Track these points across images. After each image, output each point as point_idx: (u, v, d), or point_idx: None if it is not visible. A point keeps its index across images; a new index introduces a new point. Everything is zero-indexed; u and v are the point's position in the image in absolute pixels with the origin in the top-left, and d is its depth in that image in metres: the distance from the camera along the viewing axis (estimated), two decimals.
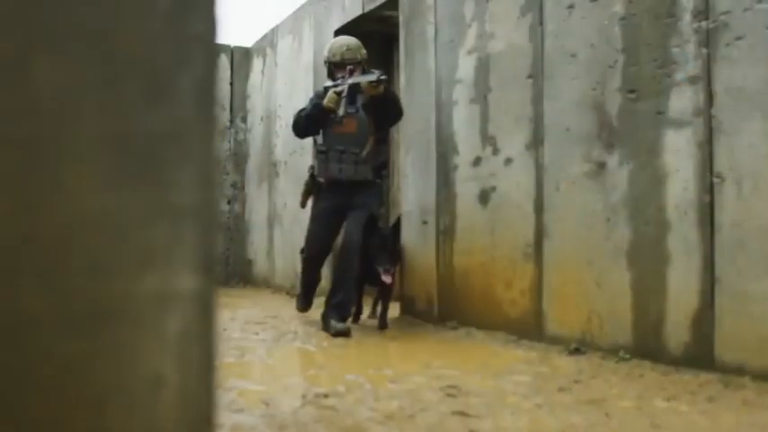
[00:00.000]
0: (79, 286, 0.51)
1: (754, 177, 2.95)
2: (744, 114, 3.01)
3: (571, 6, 3.90)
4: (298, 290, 5.59)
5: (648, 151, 3.42)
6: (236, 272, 8.85)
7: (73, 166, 0.50)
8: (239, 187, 8.96)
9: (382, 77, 4.62)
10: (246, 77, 9.01)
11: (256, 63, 8.80)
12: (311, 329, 4.69)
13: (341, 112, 4.80)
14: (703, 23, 3.20)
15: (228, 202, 8.90)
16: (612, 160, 3.61)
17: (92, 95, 0.51)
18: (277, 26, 8.23)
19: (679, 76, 3.30)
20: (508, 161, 4.32)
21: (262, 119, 8.54)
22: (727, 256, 3.05)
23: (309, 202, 5.34)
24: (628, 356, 3.42)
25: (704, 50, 3.19)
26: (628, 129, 3.54)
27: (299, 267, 7.32)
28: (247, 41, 9.27)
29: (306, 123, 5.01)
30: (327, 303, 4.76)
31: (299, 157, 7.44)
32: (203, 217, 0.55)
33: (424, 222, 5.07)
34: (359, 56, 5.05)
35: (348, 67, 4.87)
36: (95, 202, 0.51)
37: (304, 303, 5.51)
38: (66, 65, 0.49)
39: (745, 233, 2.98)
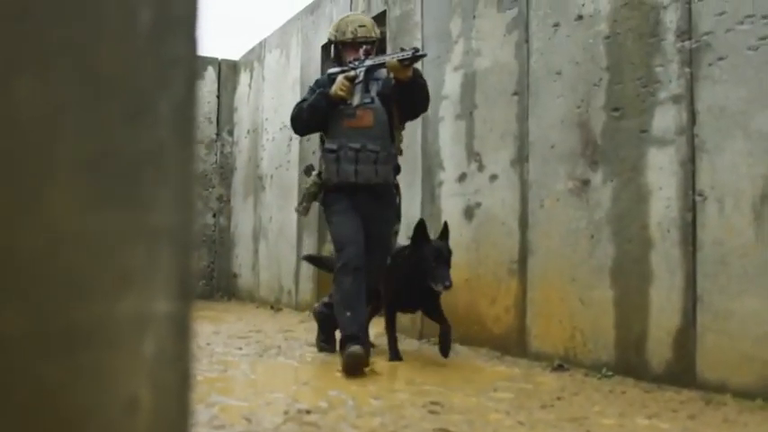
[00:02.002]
0: (56, 307, 0.51)
1: (736, 196, 2.98)
2: (726, 133, 3.04)
3: (556, 24, 3.93)
4: (341, 322, 3.86)
5: (632, 169, 3.45)
6: (221, 285, 8.82)
7: (51, 186, 0.50)
8: (225, 200, 8.95)
9: (420, 53, 3.79)
10: (234, 90, 9.02)
11: (244, 76, 8.82)
12: (295, 344, 4.67)
13: (356, 101, 3.92)
14: (686, 43, 3.24)
15: (214, 216, 8.88)
16: (596, 178, 3.63)
17: (71, 115, 0.51)
18: (265, 40, 8.25)
19: (662, 94, 3.33)
20: (493, 177, 4.33)
21: (248, 132, 8.54)
22: (709, 274, 3.07)
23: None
24: (610, 373, 3.43)
25: (687, 70, 3.23)
26: (611, 146, 3.56)
27: (285, 281, 7.34)
28: (235, 54, 9.28)
29: (308, 116, 4.06)
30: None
31: (285, 171, 7.45)
32: (181, 239, 0.55)
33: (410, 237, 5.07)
34: (374, 34, 4.19)
35: (364, 47, 4.03)
36: (73, 222, 0.51)
37: (358, 336, 3.70)
38: (46, 84, 0.50)
39: (726, 251, 3.00)
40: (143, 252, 0.53)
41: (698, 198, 3.14)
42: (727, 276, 3.00)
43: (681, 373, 3.14)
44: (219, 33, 21.55)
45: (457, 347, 4.32)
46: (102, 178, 0.52)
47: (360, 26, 4.16)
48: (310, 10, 7.13)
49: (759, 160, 2.90)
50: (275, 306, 7.40)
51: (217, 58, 9.07)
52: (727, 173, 3.02)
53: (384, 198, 4.06)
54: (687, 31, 3.24)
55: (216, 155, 8.98)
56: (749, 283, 2.89)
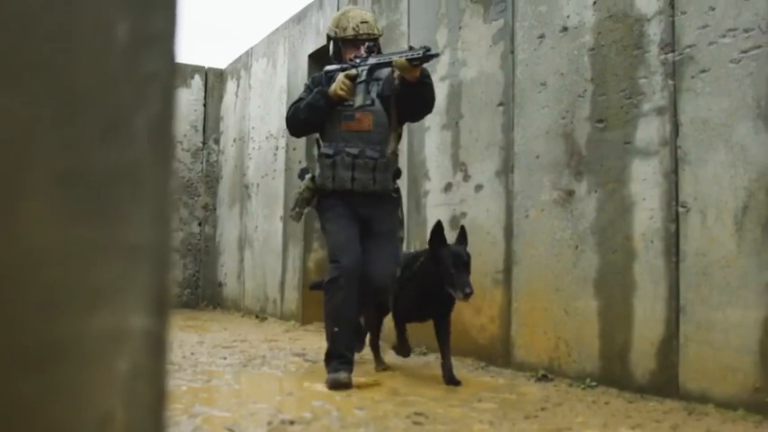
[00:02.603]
0: (29, 323, 0.50)
1: (718, 207, 3.00)
2: (708, 145, 3.06)
3: (542, 36, 3.96)
4: (328, 334, 3.73)
5: (616, 180, 3.47)
6: (206, 295, 8.79)
7: (25, 203, 0.50)
8: (211, 209, 8.92)
9: (433, 53, 3.48)
10: (220, 99, 9.01)
11: (230, 85, 8.81)
12: (280, 354, 4.66)
13: (357, 101, 3.62)
14: (669, 56, 3.27)
15: (199, 224, 8.86)
16: (581, 188, 3.65)
17: (46, 132, 0.51)
18: (251, 48, 8.25)
19: (646, 106, 3.36)
20: (479, 188, 4.35)
21: (234, 140, 8.53)
22: (691, 284, 3.09)
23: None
24: (594, 384, 3.44)
25: (670, 82, 3.25)
26: (596, 157, 3.58)
27: (272, 292, 7.32)
28: (222, 63, 9.27)
29: (306, 116, 3.77)
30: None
31: (271, 179, 7.44)
32: (156, 255, 0.55)
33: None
34: (376, 31, 3.92)
35: (366, 44, 3.75)
36: (47, 238, 0.51)
37: (344, 354, 3.60)
38: (20, 101, 0.50)
39: (709, 262, 3.02)
40: (118, 268, 0.53)
41: (681, 209, 3.16)
42: (709, 287, 3.02)
43: (664, 383, 3.16)
44: (206, 42, 21.55)
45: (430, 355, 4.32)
46: (77, 195, 0.52)
47: (362, 22, 3.88)
48: (297, 19, 7.14)
49: (741, 172, 2.92)
50: (260, 315, 7.38)
51: (203, 67, 9.06)
52: (709, 184, 3.05)
53: (384, 202, 3.79)
54: (670, 43, 3.27)
55: (202, 163, 8.96)
56: (731, 295, 2.91)
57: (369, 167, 3.68)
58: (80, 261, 0.52)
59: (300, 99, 3.85)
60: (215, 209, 8.94)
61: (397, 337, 3.95)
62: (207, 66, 9.09)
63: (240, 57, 8.59)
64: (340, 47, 3.90)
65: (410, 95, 3.64)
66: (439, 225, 3.68)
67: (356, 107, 3.65)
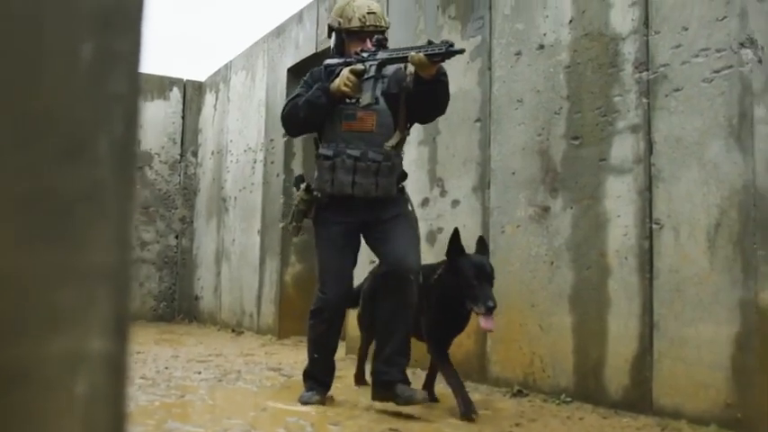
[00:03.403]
0: None
1: (691, 225, 3.03)
2: (681, 163, 3.10)
3: (519, 53, 3.99)
4: (309, 356, 3.60)
5: (591, 197, 3.50)
6: (182, 308, 8.72)
7: None
8: (188, 222, 8.87)
9: (456, 49, 3.13)
10: (199, 111, 8.98)
11: (209, 97, 8.79)
12: (255, 369, 4.63)
13: (365, 99, 3.28)
14: (644, 74, 3.31)
15: (176, 237, 8.80)
16: (556, 205, 3.67)
17: (6, 153, 0.51)
18: (231, 61, 8.24)
19: (621, 124, 3.39)
20: (455, 203, 4.36)
21: (213, 153, 8.50)
22: (665, 301, 3.11)
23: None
24: (569, 399, 3.45)
25: (645, 100, 3.29)
26: (571, 174, 3.61)
27: (249, 305, 7.28)
28: (201, 75, 9.25)
29: (305, 114, 3.44)
30: (375, 358, 3.41)
31: (248, 193, 7.42)
32: (117, 278, 0.55)
33: (372, 262, 5.07)
34: (384, 23, 3.59)
35: (375, 37, 3.42)
36: (5, 261, 0.50)
37: (321, 379, 3.53)
38: None
39: (681, 279, 3.05)
40: (77, 291, 0.53)
41: (654, 226, 3.19)
42: (682, 304, 3.05)
43: (637, 399, 3.17)
44: (186, 54, 21.50)
45: (417, 372, 4.31)
46: (36, 217, 0.51)
47: (369, 12, 3.52)
48: (276, 33, 7.15)
49: (713, 190, 2.96)
50: (237, 329, 7.34)
51: (182, 79, 9.04)
52: (682, 202, 3.08)
53: (386, 207, 3.44)
54: (645, 62, 3.31)
55: (179, 176, 8.91)
56: (703, 311, 2.94)
57: (371, 171, 3.36)
58: (39, 284, 0.51)
59: (298, 95, 3.51)
60: (192, 222, 8.89)
61: (452, 386, 3.36)
62: (186, 78, 9.07)
63: (219, 70, 8.58)
64: (343, 39, 3.58)
65: (424, 95, 3.29)
66: (456, 233, 3.38)
67: (362, 106, 3.32)
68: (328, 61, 3.57)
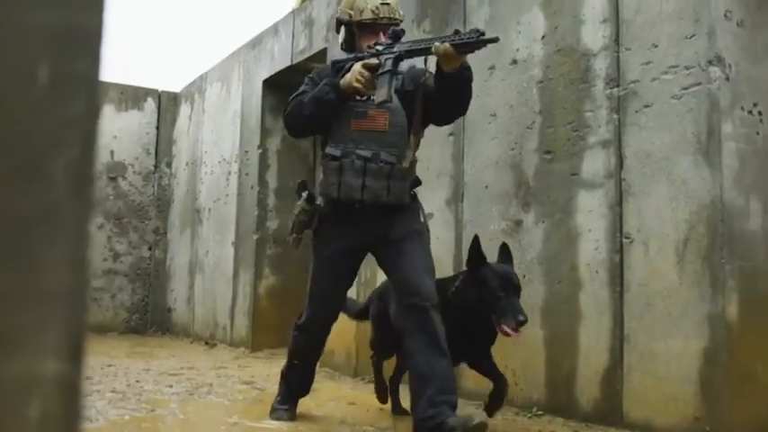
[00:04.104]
0: None
1: (660, 239, 3.07)
2: (651, 178, 3.14)
3: (492, 68, 4.02)
4: (288, 364, 3.48)
5: (562, 211, 3.53)
6: (155, 320, 8.64)
7: None
8: (161, 233, 8.80)
9: (488, 37, 2.78)
10: (173, 122, 8.94)
11: (184, 108, 8.75)
12: (227, 382, 4.60)
13: (381, 96, 2.96)
14: (615, 90, 3.35)
15: (149, 248, 8.73)
16: (528, 219, 3.70)
17: None
18: (206, 72, 8.22)
19: (592, 139, 3.43)
20: (429, 216, 4.36)
21: (187, 164, 8.45)
22: (635, 315, 3.14)
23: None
24: (540, 413, 3.47)
25: (615, 116, 3.33)
26: (543, 188, 3.64)
27: (222, 318, 7.24)
28: (176, 86, 9.21)
29: (311, 112, 3.13)
30: (416, 397, 2.91)
31: (223, 204, 7.39)
32: (73, 299, 0.55)
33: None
34: (398, 15, 3.28)
35: (391, 28, 3.11)
36: None
37: (296, 388, 3.46)
38: None
39: (651, 293, 3.08)
40: (31, 312, 0.52)
41: (625, 240, 3.23)
42: (652, 317, 3.08)
43: (608, 412, 3.20)
44: (161, 64, 21.42)
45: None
46: None
47: (382, 3, 3.23)
48: (252, 44, 7.14)
49: (682, 205, 3.00)
50: (210, 342, 7.28)
51: (157, 90, 8.99)
52: (652, 217, 3.12)
53: (398, 216, 3.13)
54: (615, 78, 3.35)
55: (153, 186, 8.85)
56: (672, 325, 2.97)
57: (383, 174, 3.04)
58: None
59: (303, 92, 3.21)
60: (166, 233, 8.82)
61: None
62: (161, 89, 9.03)
63: (194, 80, 8.55)
64: (354, 33, 3.28)
65: (446, 91, 2.99)
66: (477, 240, 3.11)
67: (376, 103, 3.01)
68: (336, 58, 3.33)
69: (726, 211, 2.89)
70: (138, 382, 4.46)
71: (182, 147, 8.69)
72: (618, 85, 3.34)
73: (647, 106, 3.20)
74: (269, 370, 5.22)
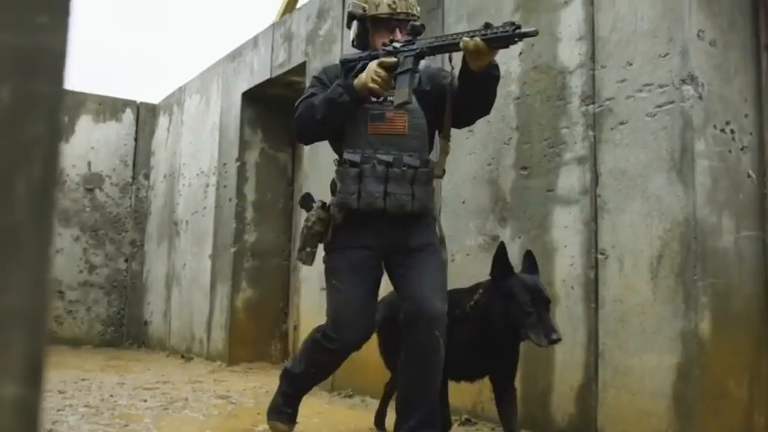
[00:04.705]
0: None
1: (634, 255, 3.09)
2: (625, 195, 3.17)
3: None
4: (295, 369, 3.14)
5: (538, 227, 3.55)
6: (131, 333, 8.56)
7: None
8: (138, 245, 8.74)
9: (525, 30, 2.52)
10: (152, 134, 8.89)
11: (162, 120, 8.71)
12: (203, 396, 4.56)
13: (401, 98, 2.72)
14: (590, 107, 3.38)
15: (126, 261, 8.66)
16: (505, 234, 3.71)
17: None
18: (185, 84, 8.20)
19: (568, 155, 3.45)
20: None
21: (165, 176, 8.41)
22: (609, 330, 3.16)
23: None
24: None
25: (591, 133, 3.36)
26: (520, 204, 3.66)
27: (199, 331, 7.18)
28: (155, 98, 9.17)
29: (323, 115, 2.85)
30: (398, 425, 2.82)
31: (200, 217, 7.35)
32: (32, 322, 0.55)
33: (323, 289, 5.04)
34: (416, 11, 3.02)
35: (410, 23, 2.84)
36: None
37: (299, 397, 3.20)
38: None
39: (626, 309, 3.11)
40: None
41: (600, 256, 3.25)
42: (626, 333, 3.10)
43: (583, 427, 3.21)
44: (140, 75, 21.33)
45: (368, 400, 4.30)
46: None
47: None
48: (231, 57, 7.14)
49: (656, 222, 3.03)
50: (186, 355, 7.23)
51: (135, 101, 8.95)
52: (626, 233, 3.14)
53: (417, 226, 2.92)
54: (591, 95, 3.38)
55: (131, 198, 8.79)
56: (646, 341, 3.00)
57: (407, 179, 2.82)
58: None
59: (312, 94, 2.95)
60: (143, 245, 8.76)
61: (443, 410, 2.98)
62: (139, 100, 8.99)
63: (173, 92, 8.52)
64: (368, 29, 3.01)
65: (471, 91, 2.78)
66: (503, 248, 2.86)
67: (395, 105, 2.78)
68: (346, 56, 3.07)
69: (699, 228, 2.92)
70: (112, 396, 4.41)
71: (160, 158, 8.64)
72: (593, 103, 3.37)
73: (621, 123, 3.24)
74: (245, 384, 5.19)
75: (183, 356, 7.23)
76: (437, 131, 3.02)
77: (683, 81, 3.01)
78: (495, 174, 3.82)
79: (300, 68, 5.78)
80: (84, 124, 8.56)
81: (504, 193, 3.75)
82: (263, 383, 5.20)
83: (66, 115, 8.47)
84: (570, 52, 3.51)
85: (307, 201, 3.03)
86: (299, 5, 6.51)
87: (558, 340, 2.62)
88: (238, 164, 6.74)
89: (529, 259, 2.91)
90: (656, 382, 2.95)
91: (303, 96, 2.98)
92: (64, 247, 8.26)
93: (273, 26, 6.43)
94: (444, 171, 2.95)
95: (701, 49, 3.06)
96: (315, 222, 2.91)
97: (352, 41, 3.07)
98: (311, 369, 3.05)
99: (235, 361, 6.40)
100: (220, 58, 7.39)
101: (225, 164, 6.95)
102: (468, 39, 2.57)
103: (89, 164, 8.54)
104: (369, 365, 4.40)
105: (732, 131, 3.12)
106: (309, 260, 2.98)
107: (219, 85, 7.30)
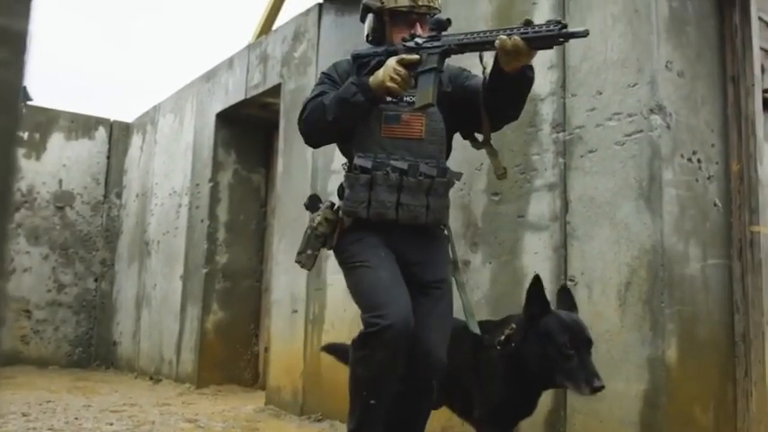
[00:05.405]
0: None
1: (603, 282, 3.12)
2: (594, 222, 3.20)
3: None
4: (356, 409, 2.56)
5: (509, 252, 3.56)
6: (99, 354, 8.44)
7: None
8: (108, 265, 8.64)
9: (574, 31, 2.27)
10: (125, 152, 8.83)
11: (136, 139, 8.66)
12: (170, 420, 4.50)
13: (423, 98, 2.48)
14: (561, 135, 3.42)
15: (96, 280, 8.56)
16: (476, 259, 3.73)
17: None
18: (159, 104, 8.17)
19: (538, 182, 3.48)
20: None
21: (137, 196, 8.35)
22: None
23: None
24: None
25: (561, 160, 3.39)
26: (491, 229, 3.68)
27: (168, 352, 7.10)
28: (128, 116, 9.12)
29: (335, 116, 2.60)
30: None
31: (172, 237, 7.30)
32: None
33: (294, 311, 5.03)
34: (437, 4, 2.74)
35: (434, 18, 2.64)
36: None
37: None
38: None
39: (594, 336, 3.11)
40: None
41: (569, 283, 3.26)
42: (595, 360, 3.10)
43: None
44: (114, 94, 21.23)
45: (337, 425, 4.27)
46: None
47: None
48: (206, 77, 7.13)
49: (624, 249, 3.06)
50: (155, 377, 7.14)
51: (109, 119, 8.89)
52: (595, 260, 3.17)
53: (434, 239, 2.73)
54: (562, 123, 3.42)
55: (102, 217, 8.71)
56: (614, 368, 3.01)
57: (422, 189, 2.60)
58: None
59: (322, 93, 2.68)
60: (113, 265, 8.66)
61: None
62: (113, 118, 8.93)
63: (147, 111, 8.48)
64: (385, 23, 2.74)
65: (503, 94, 2.53)
66: (538, 281, 2.55)
67: (416, 107, 2.54)
68: (359, 50, 2.78)
69: (666, 255, 2.95)
70: (77, 419, 4.34)
71: (132, 177, 8.58)
72: (564, 130, 3.41)
73: (591, 151, 3.27)
74: (214, 407, 5.13)
75: (151, 378, 7.14)
76: (467, 138, 2.80)
77: (652, 111, 3.05)
78: (468, 199, 3.84)
79: (275, 90, 5.79)
80: (56, 141, 8.48)
81: (476, 218, 3.77)
82: (232, 407, 5.15)
83: (37, 132, 8.39)
84: (542, 80, 3.54)
85: (313, 202, 2.81)
86: (274, 27, 6.52)
87: (602, 388, 2.32)
88: (211, 184, 6.71)
89: (565, 295, 2.68)
90: (624, 408, 2.96)
91: (311, 95, 2.73)
92: (32, 265, 8.16)
93: (249, 47, 6.43)
94: (505, 169, 2.72)
95: (670, 80, 3.11)
96: (320, 223, 2.67)
97: (367, 36, 2.81)
98: (371, 400, 2.48)
99: (204, 383, 6.33)
100: (195, 79, 7.38)
101: (198, 184, 6.92)
102: (505, 37, 2.32)
103: (60, 181, 8.45)
104: (339, 388, 4.37)
105: (699, 161, 3.17)
106: (310, 264, 2.73)
107: (194, 105, 7.28)
